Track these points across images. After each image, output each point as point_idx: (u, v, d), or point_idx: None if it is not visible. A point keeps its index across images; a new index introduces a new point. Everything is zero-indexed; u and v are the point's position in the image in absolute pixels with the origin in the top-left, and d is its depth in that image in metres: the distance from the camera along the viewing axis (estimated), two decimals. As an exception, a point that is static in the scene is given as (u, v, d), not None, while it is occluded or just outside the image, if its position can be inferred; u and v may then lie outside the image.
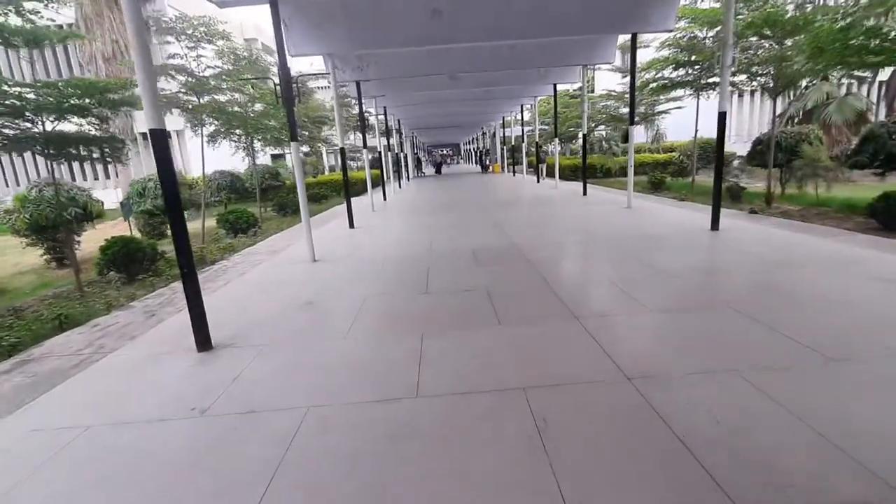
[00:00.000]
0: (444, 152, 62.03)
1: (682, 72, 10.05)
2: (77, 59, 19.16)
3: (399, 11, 7.25)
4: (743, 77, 8.97)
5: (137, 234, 8.77)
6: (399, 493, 1.69)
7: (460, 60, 9.86)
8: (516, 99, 17.83)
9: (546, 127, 23.13)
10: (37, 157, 5.89)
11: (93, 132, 6.17)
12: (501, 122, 25.90)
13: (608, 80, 23.33)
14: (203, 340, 3.09)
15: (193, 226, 9.62)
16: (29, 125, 5.37)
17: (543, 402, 2.19)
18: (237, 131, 10.33)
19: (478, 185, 18.04)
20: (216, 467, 1.91)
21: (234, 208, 9.96)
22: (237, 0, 6.21)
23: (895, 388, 2.14)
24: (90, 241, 7.75)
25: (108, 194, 18.89)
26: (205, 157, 9.69)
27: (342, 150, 8.52)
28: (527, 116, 20.73)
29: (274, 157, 24.10)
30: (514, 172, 24.03)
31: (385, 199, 13.77)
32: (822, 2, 8.30)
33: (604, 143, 21.58)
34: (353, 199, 8.83)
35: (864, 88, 23.58)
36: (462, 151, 59.99)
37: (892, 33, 5.66)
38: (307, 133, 16.57)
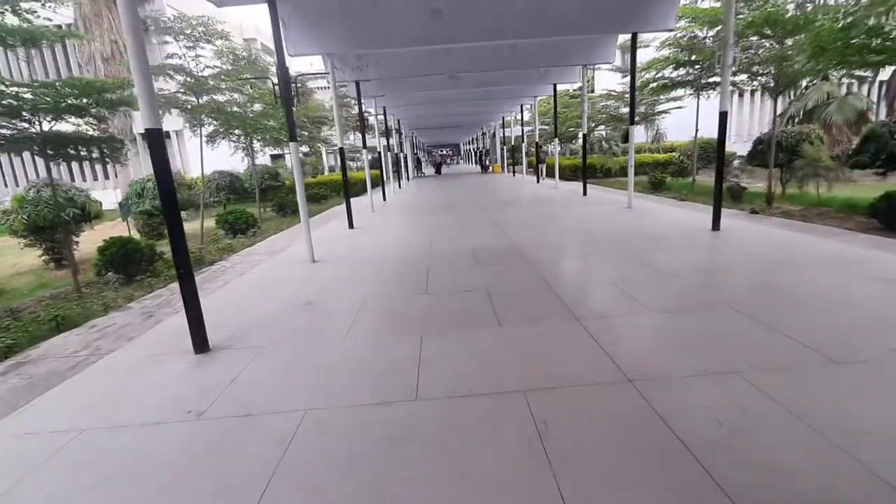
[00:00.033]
0: (444, 152, 62.02)
1: (682, 71, 10.03)
2: (76, 59, 19.13)
3: (398, 11, 7.23)
4: (744, 77, 8.95)
5: (136, 235, 8.74)
6: (398, 497, 1.67)
7: (460, 60, 9.83)
8: (516, 99, 17.81)
9: (546, 127, 23.12)
10: (35, 157, 5.85)
11: (90, 132, 6.13)
12: (501, 122, 25.88)
13: (608, 80, 23.31)
14: (200, 342, 3.06)
15: (192, 226, 9.59)
16: (26, 125, 5.34)
17: (544, 404, 2.17)
18: (236, 131, 10.31)
19: (477, 186, 18.02)
20: (212, 471, 1.88)
21: (233, 209, 9.94)
22: (236, -1, 6.18)
23: (900, 390, 2.12)
24: (89, 242, 7.72)
25: (108, 195, 18.90)
26: (204, 157, 9.66)
27: (341, 151, 8.50)
28: (527, 116, 20.71)
29: (273, 157, 24.09)
30: (513, 172, 24.01)
31: (385, 199, 13.75)
32: (822, 1, 8.28)
33: (604, 143, 21.56)
34: (352, 200, 8.80)
35: (865, 88, 23.55)
36: (462, 151, 59.97)
37: (894, 32, 5.63)
38: (306, 133, 16.54)
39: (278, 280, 5.07)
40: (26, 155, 6.09)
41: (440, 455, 1.88)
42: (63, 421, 2.37)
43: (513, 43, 9.09)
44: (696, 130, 10.99)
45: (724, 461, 1.71)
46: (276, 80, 9.88)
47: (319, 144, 20.56)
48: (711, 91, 10.00)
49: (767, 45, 8.10)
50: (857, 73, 12.02)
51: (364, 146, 10.77)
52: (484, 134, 35.53)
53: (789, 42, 7.58)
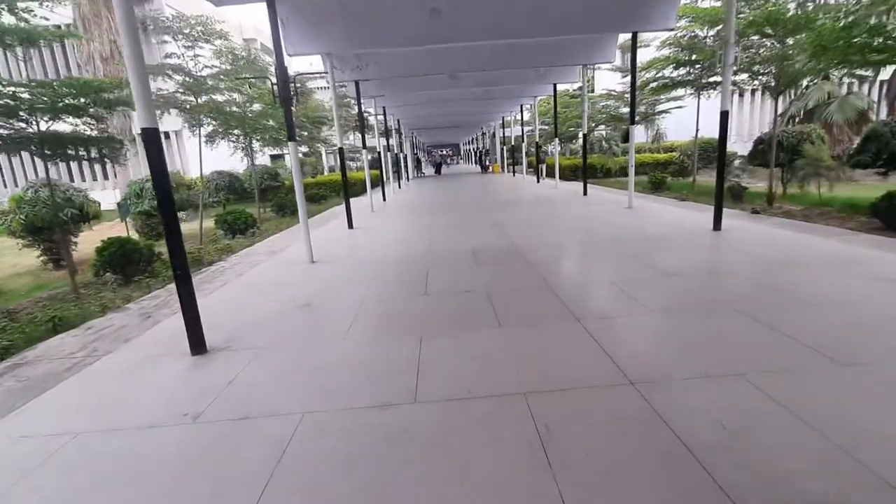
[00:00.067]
0: (444, 152, 62.00)
1: (682, 71, 10.01)
2: (75, 59, 19.11)
3: (398, 10, 7.20)
4: (744, 76, 8.92)
5: (135, 235, 8.72)
6: (397, 500, 1.64)
7: (460, 60, 9.81)
8: (516, 99, 17.78)
9: (546, 127, 23.09)
10: (34, 157, 5.82)
11: (88, 132, 6.11)
12: (501, 122, 25.85)
13: (608, 80, 23.27)
14: (197, 343, 3.03)
15: (191, 226, 9.58)
16: (23, 125, 5.31)
17: (544, 407, 2.14)
18: (235, 131, 10.28)
19: (477, 186, 18.00)
20: (209, 474, 1.86)
21: (232, 209, 9.91)
22: (234, -2, 6.15)
23: (905, 393, 2.09)
24: (88, 243, 7.69)
25: (107, 195, 18.86)
26: (203, 157, 9.63)
27: (341, 151, 8.47)
28: (526, 116, 20.68)
29: (273, 157, 24.07)
30: (513, 173, 23.98)
31: (384, 199, 13.72)
32: (823, 0, 8.25)
33: (604, 142, 21.51)
34: (352, 200, 8.78)
35: (865, 88, 23.52)
36: (462, 151, 59.95)
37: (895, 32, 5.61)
38: (306, 133, 16.51)
39: (277, 281, 5.04)
40: (25, 155, 6.06)
41: (439, 458, 1.85)
42: (58, 424, 2.34)
43: (512, 42, 9.06)
44: (697, 130, 10.97)
45: (726, 464, 1.68)
46: (275, 80, 9.86)
47: (319, 144, 20.54)
48: (712, 91, 9.97)
49: (768, 44, 8.07)
50: (858, 72, 11.99)
51: (364, 146, 10.74)
52: (484, 134, 35.51)
53: (790, 41, 7.56)
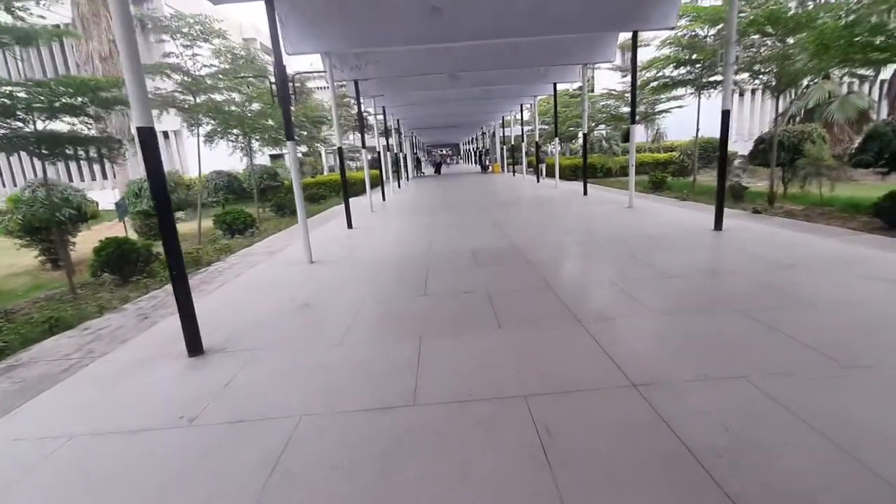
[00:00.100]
0: (444, 152, 61.97)
1: (682, 70, 9.97)
2: (74, 58, 19.06)
3: (397, 9, 7.16)
4: (745, 76, 8.88)
5: (134, 235, 8.68)
6: (394, 509, 1.61)
7: (460, 59, 9.77)
8: (516, 98, 17.75)
9: (546, 126, 23.07)
10: (33, 157, 5.78)
11: (86, 132, 6.07)
12: (501, 121, 25.82)
13: (608, 80, 23.27)
14: (194, 345, 3.00)
15: (190, 226, 9.54)
16: (20, 125, 5.28)
17: (545, 410, 2.11)
18: (234, 131, 10.24)
19: (477, 185, 17.96)
20: (204, 479, 1.82)
21: (231, 209, 9.87)
22: (232, -3, 6.12)
23: (912, 395, 2.06)
24: (86, 243, 7.65)
25: (106, 195, 18.80)
26: (202, 157, 9.59)
27: (340, 150, 8.44)
28: (526, 116, 20.65)
29: (273, 157, 24.03)
30: (513, 172, 23.95)
31: (384, 199, 13.68)
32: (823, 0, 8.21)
33: (604, 142, 21.48)
34: (351, 200, 8.74)
35: (866, 87, 23.49)
36: (461, 151, 59.93)
37: (898, 30, 5.57)
38: (306, 133, 16.48)
39: (275, 281, 5.01)
40: (24, 155, 6.03)
41: (439, 461, 1.81)
42: (53, 426, 2.31)
43: (513, 42, 9.03)
44: (697, 130, 10.93)
45: (732, 469, 1.65)
46: (273, 79, 9.83)
47: (318, 144, 20.51)
48: (712, 90, 9.94)
49: (769, 43, 8.03)
50: (859, 71, 11.96)
51: (363, 146, 10.71)
52: (484, 133, 35.48)
53: (791, 41, 7.52)
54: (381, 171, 15.49)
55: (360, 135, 10.76)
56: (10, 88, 5.09)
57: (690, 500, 1.55)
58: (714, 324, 2.99)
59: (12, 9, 5.00)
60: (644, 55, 11.08)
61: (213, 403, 2.38)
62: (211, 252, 7.22)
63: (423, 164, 38.76)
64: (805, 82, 13.65)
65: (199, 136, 9.53)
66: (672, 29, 8.12)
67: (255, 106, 10.53)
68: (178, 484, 1.81)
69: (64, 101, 5.34)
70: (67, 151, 5.81)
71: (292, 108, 13.69)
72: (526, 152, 21.48)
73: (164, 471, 1.90)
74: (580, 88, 13.37)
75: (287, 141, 5.42)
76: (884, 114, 18.26)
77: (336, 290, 4.43)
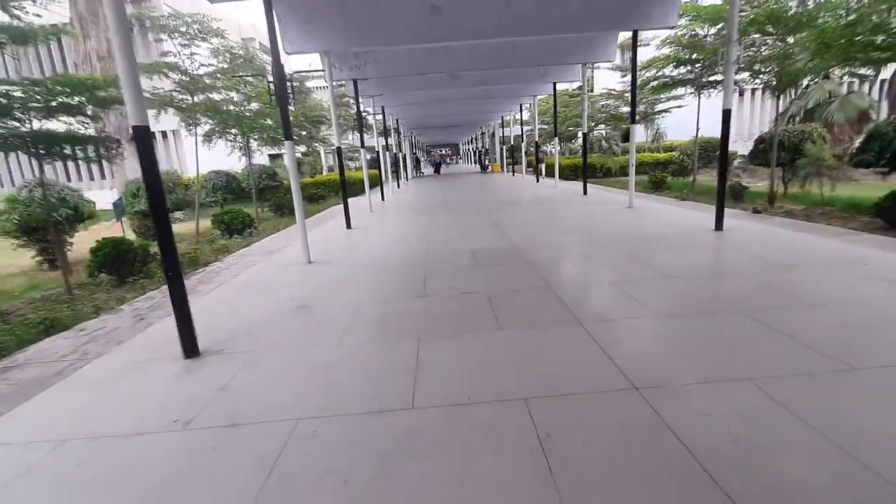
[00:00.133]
0: (443, 152, 61.93)
1: (682, 70, 9.93)
2: (72, 58, 19.00)
3: (397, 8, 7.13)
4: (745, 75, 8.85)
5: (132, 235, 8.64)
6: (392, 516, 1.57)
7: (459, 59, 9.74)
8: (515, 98, 17.72)
9: (545, 126, 23.03)
10: (31, 157, 5.74)
11: (83, 131, 6.03)
12: (500, 121, 25.79)
13: (607, 79, 23.25)
14: (190, 347, 2.96)
15: (188, 226, 9.50)
16: (17, 124, 5.23)
17: (546, 413, 2.08)
18: (233, 131, 10.20)
19: (477, 185, 17.93)
20: (199, 484, 1.79)
21: (229, 209, 9.83)
22: (230, -4, 6.08)
23: (918, 398, 2.03)
24: (83, 243, 7.61)
25: (104, 195, 18.75)
26: (199, 157, 9.55)
27: (339, 150, 8.40)
28: (526, 116, 20.62)
29: (272, 156, 23.97)
30: (513, 172, 23.92)
31: (383, 199, 13.64)
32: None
33: (603, 142, 21.46)
34: (350, 200, 8.71)
35: (866, 87, 23.47)
36: (461, 151, 59.90)
37: (899, 29, 5.54)
38: (305, 133, 16.44)
39: (273, 282, 4.97)
40: (22, 155, 5.97)
41: (437, 466, 1.78)
42: (45, 430, 2.27)
43: (512, 41, 8.99)
44: (697, 129, 10.90)
45: (737, 475, 1.62)
46: (272, 78, 9.79)
47: (318, 144, 20.45)
48: (712, 90, 9.91)
49: (770, 42, 8.01)
50: (859, 71, 11.94)
51: (362, 146, 10.67)
52: (483, 133, 35.46)
53: (791, 40, 7.49)
54: (380, 171, 15.45)
55: (359, 134, 10.71)
56: (6, 87, 5.05)
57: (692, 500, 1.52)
58: (715, 324, 2.96)
59: (8, 7, 4.95)
60: (644, 55, 11.06)
61: (209, 406, 2.35)
62: (209, 252, 7.18)
63: (422, 164, 38.72)
64: (805, 82, 13.64)
65: (196, 135, 9.48)
66: (672, 28, 8.09)
67: (254, 105, 10.49)
68: (173, 489, 1.77)
69: (60, 100, 5.30)
70: (65, 151, 5.77)
71: (291, 108, 13.66)
72: (525, 152, 21.45)
73: (157, 476, 1.86)
74: (580, 88, 13.36)
75: (285, 140, 5.38)
76: (884, 114, 18.23)
77: (334, 290, 4.40)
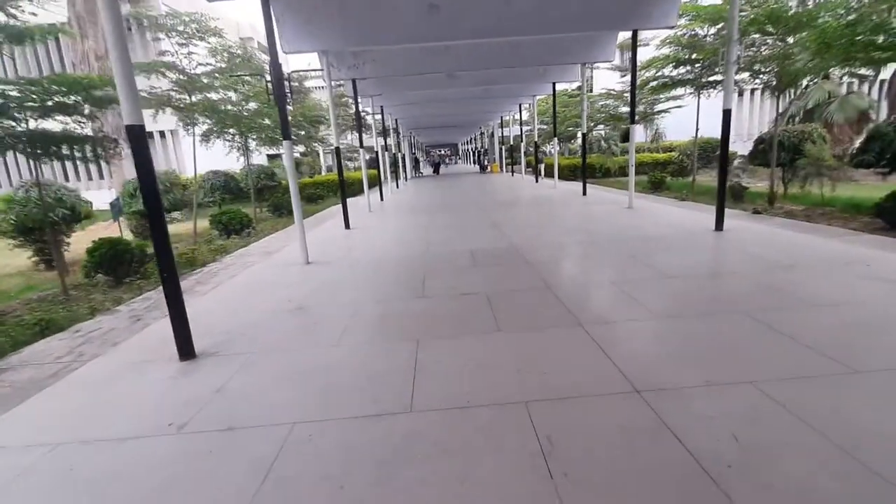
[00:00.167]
0: (442, 152, 61.91)
1: (682, 70, 9.91)
2: (70, 57, 18.94)
3: (396, 7, 7.09)
4: (745, 75, 8.83)
5: (129, 236, 8.60)
6: (389, 522, 1.55)
7: (458, 58, 9.71)
8: (515, 98, 17.69)
9: (545, 126, 23.00)
10: (28, 157, 5.70)
11: (79, 131, 5.98)
12: (500, 121, 25.77)
13: (607, 80, 23.24)
14: (186, 349, 2.93)
15: (186, 226, 9.46)
16: (13, 123, 5.19)
17: (546, 416, 2.05)
18: (231, 130, 10.15)
19: (476, 185, 17.90)
20: (193, 489, 1.76)
21: (227, 209, 9.78)
22: (228, -5, 6.04)
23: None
24: (80, 243, 7.56)
25: (102, 195, 18.70)
26: (197, 156, 9.50)
27: (338, 150, 8.37)
28: (525, 116, 20.59)
29: (270, 157, 23.91)
30: (512, 172, 23.91)
31: (382, 199, 13.61)
32: (823, -1, 8.16)
33: (603, 142, 21.45)
34: (349, 200, 8.68)
35: (866, 87, 23.48)
36: (460, 151, 59.87)
37: (900, 29, 5.52)
38: (303, 133, 16.39)
39: (271, 282, 4.94)
40: (20, 155, 5.93)
41: (436, 471, 1.75)
42: (38, 434, 2.24)
43: (512, 41, 8.97)
44: (697, 129, 10.88)
45: (740, 480, 1.59)
46: (269, 78, 9.75)
47: (316, 144, 20.39)
48: (712, 90, 9.88)
49: (770, 42, 7.99)
50: (859, 71, 11.93)
51: (361, 146, 10.64)
52: (482, 133, 35.43)
53: (791, 40, 7.48)
54: (379, 171, 15.41)
55: (357, 134, 10.68)
56: (2, 87, 5.01)
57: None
58: (715, 325, 2.94)
59: (4, 7, 4.91)
60: (643, 55, 11.03)
61: (204, 409, 2.32)
62: (206, 252, 7.14)
63: (421, 164, 38.69)
64: (805, 82, 13.63)
65: (194, 135, 9.43)
66: (672, 28, 8.07)
67: (252, 105, 10.44)
68: (167, 493, 1.74)
69: (57, 99, 5.26)
70: (62, 151, 5.72)
71: (289, 108, 13.62)
72: (525, 152, 21.43)
73: (151, 480, 1.83)
74: (579, 88, 13.34)
75: (283, 140, 5.35)
76: (884, 114, 18.24)
77: (333, 291, 4.37)
